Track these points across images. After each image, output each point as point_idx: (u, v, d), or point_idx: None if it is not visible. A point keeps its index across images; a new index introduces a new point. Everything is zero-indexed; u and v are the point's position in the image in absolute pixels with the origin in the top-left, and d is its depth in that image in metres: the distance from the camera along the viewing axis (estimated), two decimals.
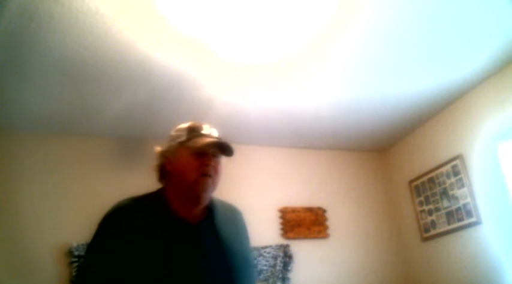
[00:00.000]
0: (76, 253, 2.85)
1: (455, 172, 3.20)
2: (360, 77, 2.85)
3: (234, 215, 1.41)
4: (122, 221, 1.21)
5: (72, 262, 2.84)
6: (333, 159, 3.96)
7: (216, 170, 1.27)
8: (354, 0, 2.14)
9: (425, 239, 3.51)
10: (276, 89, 2.91)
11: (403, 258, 3.75)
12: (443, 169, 3.32)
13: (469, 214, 3.06)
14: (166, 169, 1.30)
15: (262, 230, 3.29)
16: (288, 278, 3.27)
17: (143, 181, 3.60)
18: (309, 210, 3.65)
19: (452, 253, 3.22)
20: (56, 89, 2.67)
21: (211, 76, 2.68)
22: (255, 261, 1.14)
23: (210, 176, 1.25)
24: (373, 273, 3.60)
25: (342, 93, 3.03)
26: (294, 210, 3.60)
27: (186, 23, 2.20)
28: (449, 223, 3.25)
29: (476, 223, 3.00)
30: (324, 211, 3.70)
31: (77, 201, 3.08)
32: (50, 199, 3.02)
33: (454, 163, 3.22)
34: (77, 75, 2.54)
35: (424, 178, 3.53)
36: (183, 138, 1.29)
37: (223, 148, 1.28)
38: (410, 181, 3.71)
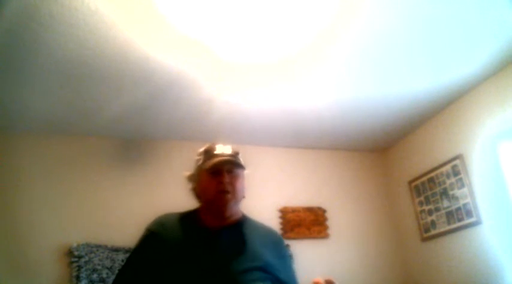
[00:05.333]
0: (76, 253, 2.85)
1: (455, 172, 3.20)
2: (360, 77, 2.85)
3: (270, 233, 1.49)
4: (154, 229, 1.38)
5: (72, 262, 2.84)
6: (333, 159, 3.96)
7: (233, 185, 1.38)
8: (354, 0, 2.14)
9: (425, 239, 3.51)
10: (276, 89, 2.91)
11: (403, 258, 3.75)
12: (443, 169, 3.32)
13: (469, 214, 3.06)
14: (195, 191, 1.45)
15: None
16: None
17: (143, 181, 3.61)
18: (309, 210, 3.65)
19: (452, 253, 3.22)
20: (55, 89, 2.67)
21: (211, 76, 2.68)
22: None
23: (227, 192, 1.36)
24: (373, 273, 3.60)
25: (342, 93, 3.03)
26: (294, 210, 3.60)
27: (186, 23, 2.20)
28: (449, 223, 3.25)
29: (476, 223, 3.00)
30: (324, 211, 3.70)
31: (77, 201, 3.08)
32: (50, 199, 3.02)
33: (454, 163, 3.22)
34: (76, 75, 2.54)
35: (424, 178, 3.53)
36: (200, 162, 1.43)
37: (231, 164, 1.40)
38: (410, 181, 3.71)
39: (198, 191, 1.43)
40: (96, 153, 3.29)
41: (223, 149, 1.43)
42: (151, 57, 2.44)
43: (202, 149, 1.46)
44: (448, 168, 3.28)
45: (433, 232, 3.41)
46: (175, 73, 2.61)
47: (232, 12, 2.13)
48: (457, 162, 3.19)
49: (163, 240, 1.33)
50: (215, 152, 1.42)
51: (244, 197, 1.44)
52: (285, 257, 1.48)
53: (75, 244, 2.88)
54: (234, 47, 2.42)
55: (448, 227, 3.25)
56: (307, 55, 2.55)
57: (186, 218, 1.41)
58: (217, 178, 1.36)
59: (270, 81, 2.79)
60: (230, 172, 1.39)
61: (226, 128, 3.35)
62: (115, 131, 3.31)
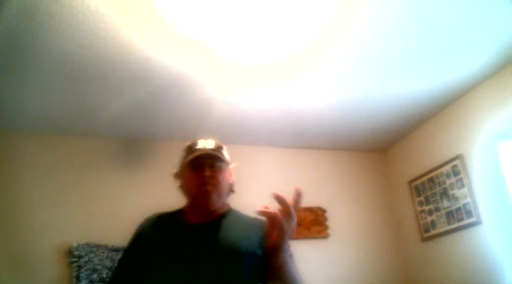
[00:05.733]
0: (76, 253, 2.85)
1: (455, 172, 3.20)
2: (360, 77, 2.85)
3: (255, 222, 1.40)
4: (140, 230, 1.41)
5: (72, 262, 2.84)
6: (333, 159, 3.96)
7: (215, 178, 1.36)
8: (354, 0, 2.14)
9: (425, 239, 3.51)
10: (276, 89, 2.91)
11: (403, 258, 3.75)
12: (443, 169, 3.32)
13: (469, 214, 3.06)
14: (182, 189, 1.45)
15: None
16: None
17: (143, 181, 3.61)
18: (309, 210, 3.65)
19: (452, 253, 3.22)
20: (55, 89, 2.67)
21: (211, 76, 2.68)
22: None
23: (208, 185, 1.35)
24: (373, 273, 3.59)
25: (342, 93, 3.03)
26: None
27: (186, 23, 2.20)
28: (449, 223, 3.25)
29: (476, 223, 3.00)
30: (324, 211, 3.70)
31: (76, 201, 3.08)
32: (50, 199, 3.02)
33: (454, 163, 3.22)
34: (76, 75, 2.54)
35: (424, 178, 3.53)
36: (183, 159, 1.43)
37: (211, 158, 1.39)
38: (410, 181, 3.71)
39: (183, 187, 1.44)
40: (96, 153, 3.29)
41: (204, 143, 1.43)
42: (151, 57, 2.44)
43: (185, 146, 1.46)
44: (448, 168, 3.28)
45: (433, 232, 3.41)
46: (175, 73, 2.61)
47: (232, 12, 2.13)
48: (457, 162, 3.19)
49: (147, 240, 1.34)
50: (196, 147, 1.41)
51: (232, 191, 1.45)
52: (254, 236, 1.38)
53: (75, 244, 2.88)
54: (234, 47, 2.42)
55: (448, 227, 3.25)
56: (307, 55, 2.55)
57: (173, 216, 1.42)
58: (198, 172, 1.36)
59: (270, 81, 2.79)
60: (212, 166, 1.38)
61: (226, 128, 3.36)
62: (115, 131, 3.31)
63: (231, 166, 1.47)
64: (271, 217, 1.15)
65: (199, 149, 1.40)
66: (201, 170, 1.36)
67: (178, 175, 1.47)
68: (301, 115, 3.27)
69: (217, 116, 3.13)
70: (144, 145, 3.45)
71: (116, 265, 1.42)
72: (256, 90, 2.89)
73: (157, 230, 1.37)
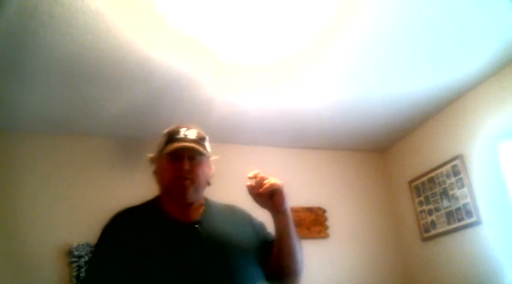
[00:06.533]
0: (76, 253, 2.85)
1: (455, 172, 3.20)
2: (359, 77, 2.85)
3: (233, 210, 1.45)
4: (120, 227, 1.28)
5: (72, 262, 2.84)
6: (333, 159, 3.96)
7: (194, 172, 1.29)
8: (354, 0, 2.14)
9: (425, 239, 3.51)
10: (276, 89, 2.91)
11: (403, 258, 3.75)
12: (443, 169, 3.32)
13: (469, 214, 3.06)
14: (156, 175, 1.37)
15: None
16: None
17: (143, 181, 3.60)
18: (309, 210, 3.65)
19: (452, 253, 3.22)
20: (55, 89, 2.67)
21: (211, 76, 2.68)
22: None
23: (186, 178, 1.28)
24: (373, 273, 3.59)
25: (342, 93, 3.03)
26: (293, 210, 3.54)
27: (186, 23, 2.20)
28: (449, 223, 3.25)
29: (476, 223, 3.00)
30: (324, 211, 3.70)
31: (77, 200, 3.08)
32: (50, 199, 3.02)
33: (454, 163, 3.22)
34: (76, 75, 2.54)
35: (424, 178, 3.53)
36: (161, 146, 1.34)
37: (192, 151, 1.31)
38: (410, 181, 3.70)
39: (158, 176, 1.35)
40: (96, 152, 3.29)
41: (186, 132, 1.33)
42: (151, 57, 2.44)
43: (165, 131, 1.38)
44: (448, 168, 3.28)
45: (433, 232, 3.41)
46: (175, 73, 2.61)
47: (233, 12, 2.13)
48: (457, 162, 3.19)
49: (134, 241, 1.22)
50: (177, 136, 1.32)
51: (209, 184, 1.37)
52: (256, 225, 1.45)
53: (75, 244, 2.88)
54: (234, 47, 2.42)
55: (448, 227, 3.25)
56: (307, 55, 2.55)
57: (148, 210, 1.34)
58: (176, 164, 1.27)
59: (270, 81, 2.79)
60: (192, 158, 1.29)
61: (226, 128, 3.35)
62: (115, 131, 3.30)
63: (212, 158, 1.39)
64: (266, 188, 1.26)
65: (180, 139, 1.31)
66: (179, 162, 1.27)
67: (153, 160, 1.37)
68: (301, 115, 3.27)
69: (217, 116, 3.13)
70: (144, 145, 3.45)
71: (92, 271, 1.27)
72: (256, 90, 2.89)
73: (148, 230, 1.26)
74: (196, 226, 1.28)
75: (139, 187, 3.31)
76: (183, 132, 1.34)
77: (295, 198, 3.65)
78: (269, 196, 1.28)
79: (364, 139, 3.85)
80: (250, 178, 1.29)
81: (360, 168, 4.01)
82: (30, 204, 2.95)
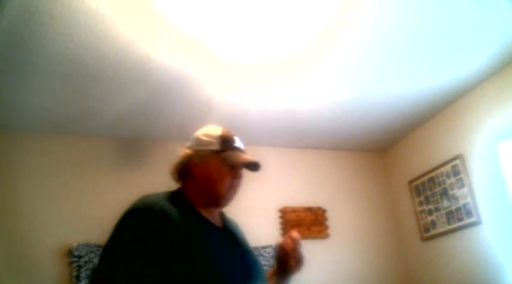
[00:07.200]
0: (76, 253, 2.85)
1: (455, 172, 3.20)
2: (359, 77, 2.85)
3: (235, 221, 1.51)
4: (155, 211, 1.16)
5: (72, 262, 2.84)
6: (333, 159, 3.96)
7: (240, 181, 1.36)
8: (354, 0, 2.14)
9: (425, 239, 3.51)
10: (276, 89, 2.91)
11: (403, 258, 3.75)
12: (443, 169, 3.32)
13: (469, 214, 3.06)
14: (190, 171, 1.33)
15: (262, 230, 3.28)
16: None
17: (143, 181, 3.61)
18: (309, 209, 3.65)
19: (452, 253, 3.22)
20: (55, 89, 2.67)
21: (211, 76, 2.68)
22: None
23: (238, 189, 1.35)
24: (373, 273, 3.60)
25: (342, 93, 3.03)
26: (294, 210, 3.60)
27: (186, 22, 2.20)
28: (449, 223, 3.25)
29: (476, 223, 3.00)
30: (324, 211, 3.70)
31: (77, 201, 3.08)
32: (50, 199, 3.02)
33: (454, 163, 3.22)
34: (76, 75, 2.54)
35: (424, 178, 3.53)
36: (216, 147, 1.32)
37: (258, 167, 1.36)
38: (410, 181, 3.71)
39: (200, 175, 1.30)
40: (96, 153, 3.29)
41: (240, 143, 1.38)
42: (151, 57, 2.44)
43: (216, 132, 1.36)
44: (448, 168, 3.28)
45: (433, 232, 3.41)
46: (175, 73, 2.61)
47: (232, 12, 2.13)
48: (457, 162, 3.19)
49: (174, 224, 1.15)
50: (238, 146, 1.35)
51: None
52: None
53: (75, 244, 2.88)
54: (234, 46, 2.42)
55: (448, 227, 3.25)
56: (307, 55, 2.55)
57: (180, 204, 1.24)
58: (238, 174, 1.33)
59: (270, 81, 2.79)
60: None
61: (226, 128, 3.35)
62: (115, 131, 3.30)
63: None
64: (292, 249, 1.28)
65: (240, 149, 1.35)
66: (240, 173, 1.34)
67: (195, 159, 1.31)
68: (301, 115, 3.27)
69: (217, 116, 3.13)
70: (144, 145, 3.45)
71: (117, 251, 1.12)
72: (256, 90, 2.89)
73: (181, 220, 1.18)
74: (233, 232, 1.36)
75: (139, 187, 3.32)
76: (238, 142, 1.37)
77: (295, 198, 3.68)
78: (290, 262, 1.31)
79: (364, 139, 3.85)
80: (292, 238, 1.31)
81: (360, 168, 4.01)
82: (30, 203, 2.96)
